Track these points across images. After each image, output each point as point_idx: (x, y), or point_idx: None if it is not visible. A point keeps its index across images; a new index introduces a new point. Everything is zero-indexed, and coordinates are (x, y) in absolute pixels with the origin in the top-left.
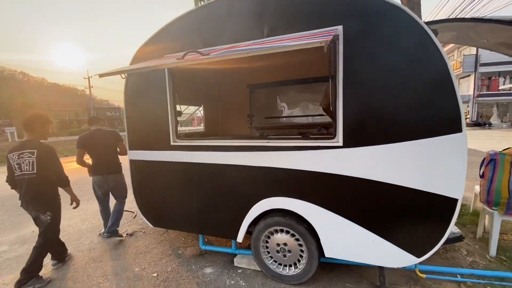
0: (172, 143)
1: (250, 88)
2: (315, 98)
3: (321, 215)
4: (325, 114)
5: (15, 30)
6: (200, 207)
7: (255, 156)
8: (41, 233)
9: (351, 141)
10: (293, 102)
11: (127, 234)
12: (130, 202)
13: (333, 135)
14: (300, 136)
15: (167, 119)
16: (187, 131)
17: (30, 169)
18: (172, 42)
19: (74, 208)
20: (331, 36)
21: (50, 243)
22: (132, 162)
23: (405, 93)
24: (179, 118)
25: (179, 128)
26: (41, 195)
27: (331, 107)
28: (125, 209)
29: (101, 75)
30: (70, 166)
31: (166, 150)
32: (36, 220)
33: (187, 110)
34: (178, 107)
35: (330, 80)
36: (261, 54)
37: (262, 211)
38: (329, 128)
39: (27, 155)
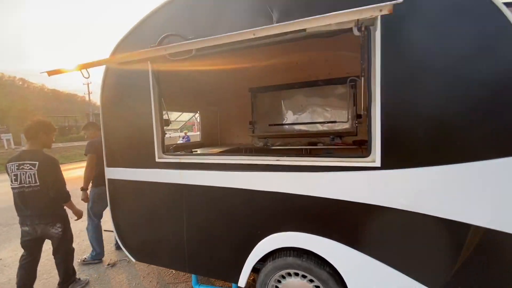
0: (157, 159)
1: (252, 92)
2: (327, 102)
3: (350, 257)
4: (337, 120)
5: (14, 39)
6: (192, 240)
7: (261, 178)
8: (56, 249)
9: (393, 161)
10: (301, 108)
11: (108, 264)
12: None
13: (359, 151)
14: (320, 154)
15: (151, 130)
16: (182, 138)
17: (33, 182)
18: (157, 34)
19: (76, 219)
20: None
21: (71, 253)
22: (111, 182)
23: (475, 94)
24: (167, 128)
25: (174, 134)
26: (49, 207)
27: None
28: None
29: (50, 73)
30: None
31: (150, 167)
32: (46, 236)
33: (181, 117)
34: (166, 115)
35: (361, 78)
36: (270, 40)
37: (271, 249)
38: (343, 136)
39: (27, 166)
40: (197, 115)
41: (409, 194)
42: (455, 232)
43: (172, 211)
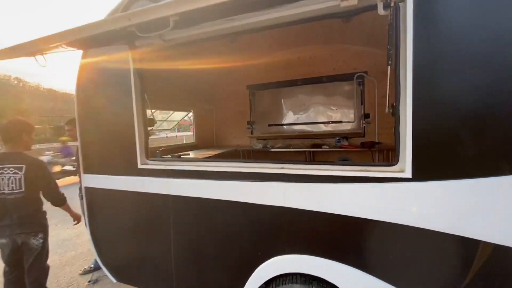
0: (140, 166)
1: (250, 90)
2: (331, 101)
3: (371, 287)
4: (343, 120)
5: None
6: (181, 261)
7: (263, 189)
8: (31, 266)
9: (428, 171)
10: (303, 107)
11: (89, 281)
12: None
13: (369, 155)
14: (335, 162)
15: (133, 131)
16: (173, 137)
17: (17, 188)
18: None
19: (75, 224)
20: None
21: (46, 272)
22: (88, 191)
23: None
24: (160, 129)
25: (171, 134)
26: (32, 216)
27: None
28: None
29: None
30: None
31: (131, 175)
32: (26, 247)
33: (172, 116)
34: (151, 114)
35: (388, 67)
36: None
37: (274, 274)
38: (349, 137)
39: (11, 171)
40: (190, 114)
41: (448, 213)
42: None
43: (158, 227)
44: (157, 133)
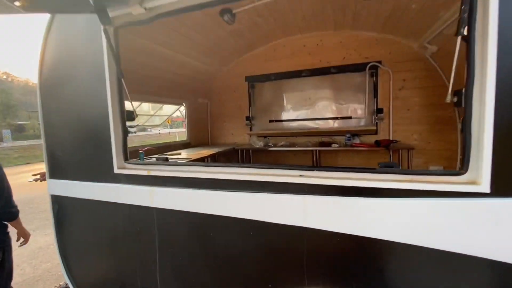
0: (116, 170)
1: (249, 82)
2: (341, 94)
3: None
4: (353, 116)
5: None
6: None
7: (276, 204)
8: None
9: None
10: (308, 100)
11: None
12: None
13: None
14: (375, 169)
15: (107, 126)
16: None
17: None
18: None
19: (22, 245)
20: None
21: None
22: (54, 200)
23: None
24: (152, 125)
25: (164, 131)
26: None
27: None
28: None
29: None
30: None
31: (106, 181)
32: None
33: (163, 111)
34: (132, 106)
35: (458, 36)
36: None
37: None
38: (360, 135)
39: None
40: (182, 108)
41: None
42: None
43: (140, 248)
44: (149, 129)
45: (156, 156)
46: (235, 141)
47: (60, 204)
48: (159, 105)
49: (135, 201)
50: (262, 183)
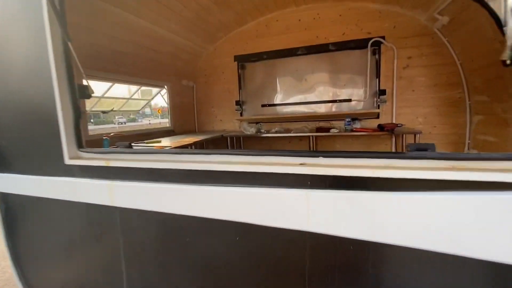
0: (67, 161)
1: (239, 62)
2: (340, 74)
3: None
4: (353, 99)
5: None
6: None
7: (270, 201)
8: None
9: None
10: (304, 82)
11: None
12: None
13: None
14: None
15: (53, 104)
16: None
17: None
18: None
19: None
20: None
21: None
22: (1, 197)
23: None
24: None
25: (149, 121)
26: None
27: None
28: None
29: None
30: None
31: (57, 175)
32: None
33: (146, 94)
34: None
35: None
36: None
37: None
38: (360, 119)
39: None
40: (164, 91)
41: None
42: None
43: (103, 256)
44: (139, 119)
45: (120, 143)
46: (224, 128)
47: (7, 203)
48: (147, 90)
49: (93, 199)
50: (251, 175)
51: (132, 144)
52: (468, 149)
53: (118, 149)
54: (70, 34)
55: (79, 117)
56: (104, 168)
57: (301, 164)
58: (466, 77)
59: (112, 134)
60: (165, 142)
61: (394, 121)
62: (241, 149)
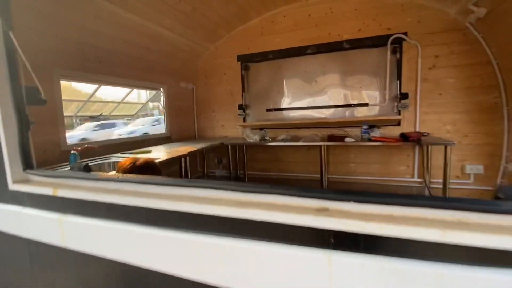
0: (12, 186)
1: (242, 62)
2: (355, 75)
3: None
4: (370, 103)
5: None
6: None
7: (270, 263)
8: None
9: None
10: (315, 84)
11: None
12: None
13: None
14: None
15: None
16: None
17: None
18: None
19: None
20: None
21: None
22: None
23: None
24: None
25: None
26: None
27: None
28: None
29: None
30: None
31: (2, 201)
32: None
33: (139, 96)
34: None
35: None
36: None
37: None
38: (379, 126)
39: None
40: (161, 94)
41: None
42: None
43: None
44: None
45: (86, 160)
46: (226, 134)
47: None
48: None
49: (42, 235)
50: (241, 223)
51: (112, 155)
52: (506, 162)
53: (69, 173)
54: (12, 20)
55: (27, 128)
56: (53, 198)
57: (320, 209)
58: (504, 78)
59: (86, 146)
60: (157, 151)
61: (417, 129)
62: (246, 161)
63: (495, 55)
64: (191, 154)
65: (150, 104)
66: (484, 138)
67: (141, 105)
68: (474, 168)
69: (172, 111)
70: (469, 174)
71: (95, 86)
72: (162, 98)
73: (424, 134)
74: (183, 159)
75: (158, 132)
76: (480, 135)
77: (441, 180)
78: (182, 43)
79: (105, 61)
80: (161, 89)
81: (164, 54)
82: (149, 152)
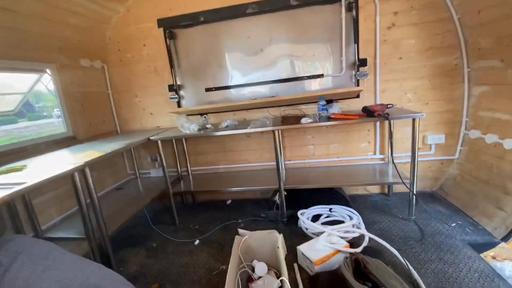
0: None
1: (166, 27)
2: (305, 40)
3: None
4: (325, 73)
5: None
6: None
7: None
8: None
9: None
10: (260, 54)
11: None
12: None
13: None
14: None
15: None
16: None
17: None
18: None
19: None
20: None
21: None
22: None
23: None
24: None
25: None
26: None
27: None
28: None
29: None
30: None
31: None
32: None
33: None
34: None
35: None
36: None
37: None
38: (335, 100)
39: None
40: (46, 77)
41: None
42: None
43: None
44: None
45: None
46: (158, 125)
47: None
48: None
49: None
50: None
51: None
52: (467, 129)
53: None
54: None
55: None
56: None
57: None
58: (465, 36)
59: None
60: (36, 164)
61: (378, 101)
62: (187, 156)
63: (457, 9)
64: (92, 163)
65: None
66: (444, 105)
67: (23, 96)
68: (436, 138)
69: (74, 101)
70: (430, 145)
71: None
72: (52, 84)
73: (389, 106)
74: (77, 174)
75: (54, 133)
76: (440, 102)
77: (403, 155)
78: (70, 2)
79: None
80: (48, 71)
81: (41, 19)
82: (19, 169)
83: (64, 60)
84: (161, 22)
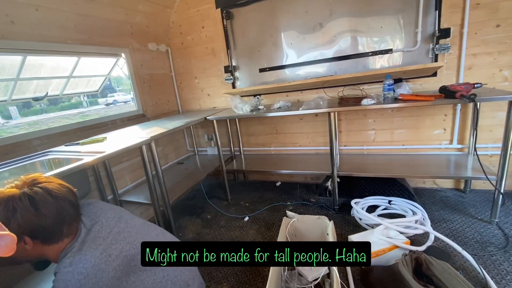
0: None
1: (223, 8)
2: (370, 13)
3: None
4: (394, 48)
5: None
6: None
7: None
8: None
9: None
10: (319, 28)
11: None
12: None
13: None
14: None
15: None
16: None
17: None
18: None
19: None
20: None
21: None
22: None
23: None
24: None
25: None
26: None
27: None
28: None
29: None
30: None
31: None
32: None
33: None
34: None
35: None
36: None
37: None
38: (407, 79)
39: None
40: (121, 61)
41: None
42: None
43: None
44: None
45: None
46: (214, 106)
47: None
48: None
49: None
50: None
51: (50, 150)
52: None
53: None
54: None
55: None
56: None
57: None
58: None
59: None
60: (114, 137)
61: (461, 80)
62: (240, 136)
63: None
64: (157, 138)
65: None
66: None
67: (104, 78)
68: None
69: (143, 83)
70: None
71: (19, 58)
72: (126, 67)
73: (476, 85)
74: (144, 147)
75: (127, 110)
76: None
77: (489, 145)
78: None
79: (21, 22)
80: (123, 55)
81: (114, 7)
82: (101, 141)
83: (135, 45)
84: (219, 2)
